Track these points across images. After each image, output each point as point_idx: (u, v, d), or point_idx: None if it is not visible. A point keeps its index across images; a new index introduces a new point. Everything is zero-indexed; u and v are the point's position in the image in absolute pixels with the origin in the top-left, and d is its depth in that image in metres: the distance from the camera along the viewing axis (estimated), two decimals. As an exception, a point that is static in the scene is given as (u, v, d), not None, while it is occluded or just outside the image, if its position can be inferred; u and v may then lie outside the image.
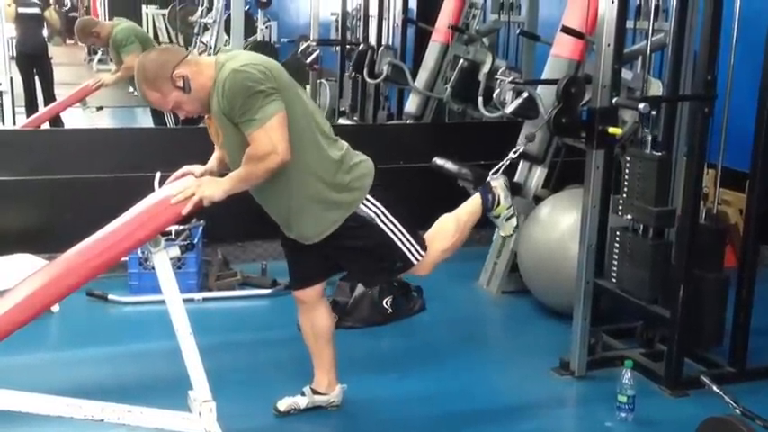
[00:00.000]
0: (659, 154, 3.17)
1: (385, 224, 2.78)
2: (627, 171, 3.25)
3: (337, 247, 2.80)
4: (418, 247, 2.86)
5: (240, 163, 2.63)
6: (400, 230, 2.81)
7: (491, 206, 3.08)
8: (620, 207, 3.28)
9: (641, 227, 3.28)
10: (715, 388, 2.77)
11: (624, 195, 3.26)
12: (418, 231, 2.89)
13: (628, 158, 3.27)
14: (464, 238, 3.04)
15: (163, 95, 2.61)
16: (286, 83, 2.64)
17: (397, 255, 2.82)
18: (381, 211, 2.78)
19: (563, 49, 4.22)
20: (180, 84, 2.58)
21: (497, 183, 3.11)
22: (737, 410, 2.62)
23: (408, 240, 2.83)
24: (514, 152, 3.30)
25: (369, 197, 2.76)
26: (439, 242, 2.95)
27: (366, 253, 2.82)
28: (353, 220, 2.74)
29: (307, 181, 2.68)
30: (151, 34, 11.25)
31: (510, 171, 4.16)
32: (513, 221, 3.13)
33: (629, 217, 3.26)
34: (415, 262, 2.86)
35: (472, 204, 3.09)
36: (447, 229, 2.98)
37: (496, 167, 3.21)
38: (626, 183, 3.26)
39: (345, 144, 2.81)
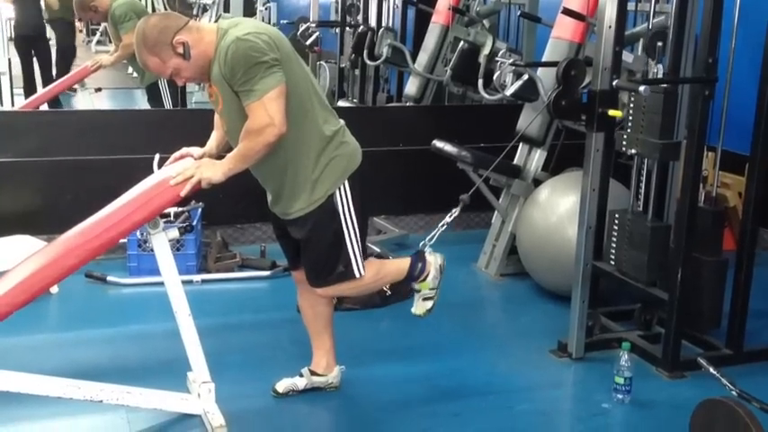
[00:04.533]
0: (665, 86, 3.13)
1: (345, 221, 2.72)
2: (632, 105, 3.19)
3: (299, 231, 2.76)
4: (362, 264, 2.79)
5: (238, 131, 2.61)
6: (356, 236, 2.75)
7: (416, 277, 2.97)
8: (624, 141, 3.22)
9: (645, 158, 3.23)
10: (712, 370, 2.78)
11: (628, 130, 3.21)
12: (367, 250, 2.80)
13: (633, 92, 3.19)
14: (375, 287, 2.97)
15: (162, 61, 2.59)
16: (288, 52, 2.62)
17: (343, 258, 2.75)
18: (348, 207, 2.72)
19: (564, 31, 4.20)
20: (180, 50, 2.56)
21: (435, 259, 2.99)
22: (734, 392, 2.63)
23: (358, 250, 2.76)
24: (450, 216, 3.14)
25: (346, 184, 2.72)
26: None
27: (319, 245, 2.75)
28: (326, 205, 2.70)
29: (302, 153, 2.67)
30: (150, 15, 11.15)
31: (510, 154, 4.18)
32: (428, 305, 3.00)
33: (632, 151, 3.20)
34: (356, 275, 2.77)
35: (400, 264, 2.97)
36: (366, 274, 2.84)
37: (430, 235, 3.03)
38: (630, 117, 3.20)
39: (342, 122, 2.79)
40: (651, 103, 3.11)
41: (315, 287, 2.85)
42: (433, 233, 3.07)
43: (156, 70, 2.66)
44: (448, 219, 3.12)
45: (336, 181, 2.71)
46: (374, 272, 2.89)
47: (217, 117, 2.91)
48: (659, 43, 3.21)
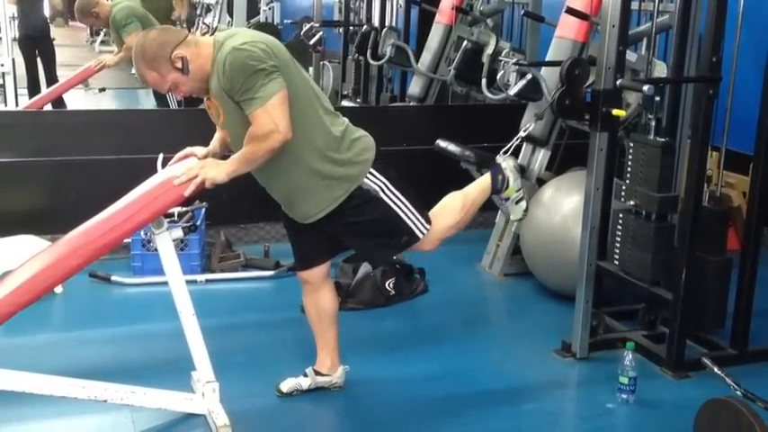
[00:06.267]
0: (663, 140, 3.16)
1: (389, 197, 2.77)
2: (630, 156, 3.24)
3: (341, 224, 2.79)
4: (423, 221, 2.85)
5: (242, 142, 2.62)
6: (404, 203, 2.80)
7: (501, 188, 3.07)
8: (623, 193, 3.28)
9: (644, 210, 3.27)
10: (716, 370, 2.78)
11: (627, 181, 3.26)
12: (421, 205, 2.87)
13: (631, 144, 3.26)
14: (470, 215, 3.03)
15: (161, 76, 2.60)
16: (286, 60, 2.62)
17: (403, 229, 2.81)
18: (385, 184, 2.77)
19: (567, 30, 4.19)
20: (179, 65, 2.57)
21: (507, 164, 3.09)
22: (739, 392, 2.63)
23: (413, 213, 2.82)
24: (524, 130, 3.26)
25: (372, 170, 2.75)
26: (445, 218, 2.94)
27: (372, 228, 2.81)
28: (358, 194, 2.73)
29: (309, 158, 2.68)
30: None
31: (514, 154, 4.17)
32: (523, 204, 3.12)
33: (631, 203, 3.25)
34: (420, 236, 2.85)
35: (481, 184, 3.08)
36: (454, 206, 2.97)
37: (506, 147, 3.17)
38: (629, 168, 3.25)
39: (346, 120, 2.80)
40: (649, 157, 3.14)
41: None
42: (508, 146, 3.21)
43: (154, 84, 2.66)
44: (522, 133, 3.33)
45: (361, 174, 2.73)
46: (461, 204, 2.98)
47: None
48: (657, 98, 3.23)
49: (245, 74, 2.50)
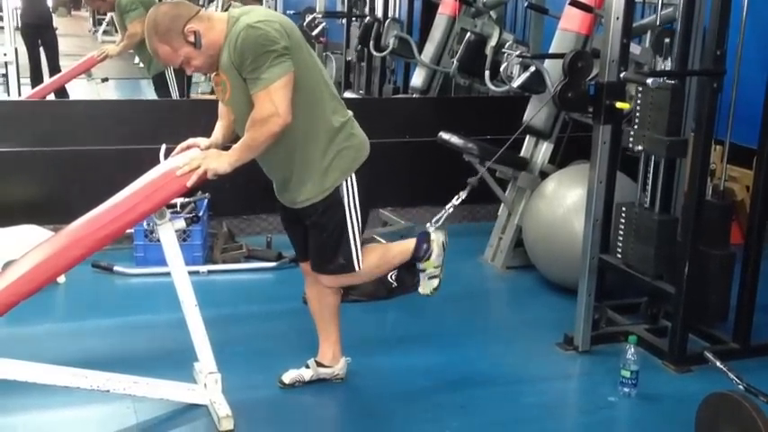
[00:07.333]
0: (672, 83, 3.12)
1: (350, 213, 2.74)
2: (639, 102, 3.18)
3: (309, 218, 2.78)
4: (361, 258, 2.82)
5: (246, 119, 2.61)
6: (358, 229, 2.78)
7: (421, 256, 2.97)
8: (630, 138, 3.21)
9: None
10: (719, 364, 2.78)
11: (635, 126, 3.20)
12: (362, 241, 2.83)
13: (640, 88, 3.19)
14: (384, 271, 2.98)
15: (173, 50, 2.59)
16: (298, 41, 2.62)
17: (345, 250, 2.77)
18: (354, 200, 2.74)
19: (571, 22, 4.18)
20: (191, 39, 2.56)
21: (437, 237, 2.98)
22: (741, 386, 2.62)
23: (358, 244, 2.79)
24: (457, 198, 3.13)
25: (353, 177, 2.73)
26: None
27: (323, 233, 2.77)
28: (333, 195, 2.72)
29: (310, 142, 2.67)
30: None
31: (517, 146, 4.17)
32: (434, 283, 3.00)
33: (639, 148, 3.19)
34: (355, 269, 2.81)
35: (405, 245, 3.00)
36: (371, 258, 2.89)
37: (437, 216, 3.04)
38: (637, 114, 3.19)
39: (350, 112, 2.80)
40: (658, 100, 3.09)
41: (317, 273, 2.87)
42: (439, 215, 3.05)
43: (166, 59, 2.65)
44: (455, 201, 3.12)
45: (345, 172, 2.72)
46: (379, 256, 2.92)
47: (221, 107, 2.90)
48: (666, 40, 3.19)
49: (255, 52, 2.50)
